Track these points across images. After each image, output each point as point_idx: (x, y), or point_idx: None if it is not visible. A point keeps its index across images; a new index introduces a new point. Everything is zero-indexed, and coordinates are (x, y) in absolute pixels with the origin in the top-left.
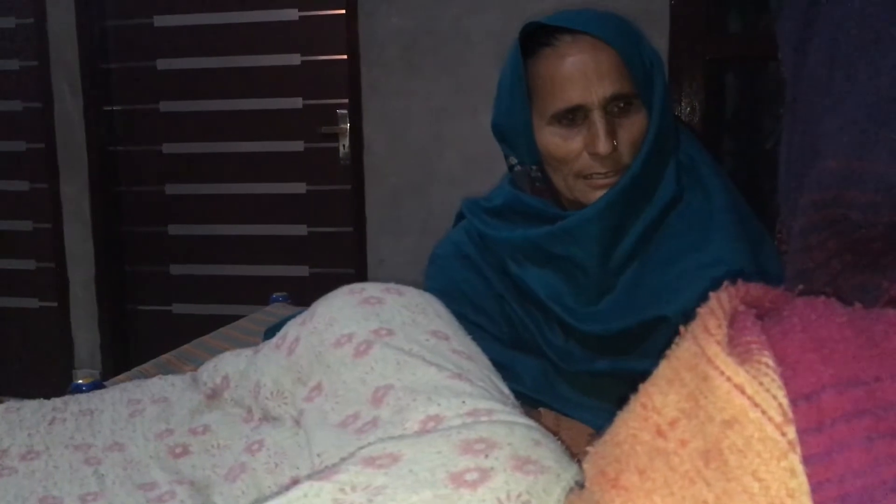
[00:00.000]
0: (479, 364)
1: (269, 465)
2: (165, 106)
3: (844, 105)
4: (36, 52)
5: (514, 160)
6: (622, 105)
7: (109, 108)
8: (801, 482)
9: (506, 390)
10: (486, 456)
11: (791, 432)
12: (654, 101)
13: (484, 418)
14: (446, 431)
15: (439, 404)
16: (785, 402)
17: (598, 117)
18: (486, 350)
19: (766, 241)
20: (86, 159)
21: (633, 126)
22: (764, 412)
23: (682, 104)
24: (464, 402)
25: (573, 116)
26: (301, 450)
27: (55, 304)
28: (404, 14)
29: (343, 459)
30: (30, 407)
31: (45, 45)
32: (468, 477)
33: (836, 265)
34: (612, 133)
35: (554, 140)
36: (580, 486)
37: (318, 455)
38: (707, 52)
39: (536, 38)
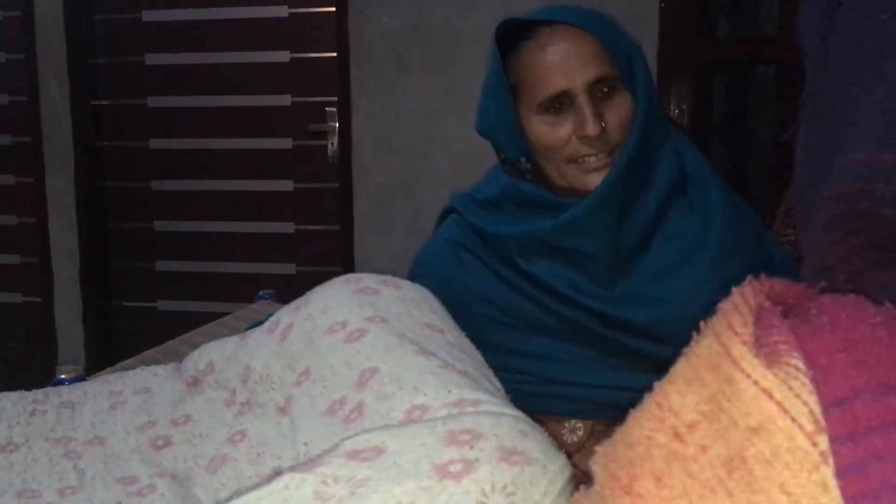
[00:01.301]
0: (471, 357)
1: (251, 455)
2: (153, 101)
3: (874, 95)
4: (23, 46)
5: (504, 154)
6: (606, 89)
7: (97, 103)
8: (833, 497)
9: (497, 384)
10: (472, 447)
11: (823, 442)
12: (639, 84)
13: (470, 409)
14: (432, 422)
15: (425, 394)
16: (816, 408)
17: (583, 101)
18: (501, 338)
19: (766, 230)
20: (72, 154)
21: (620, 107)
22: (794, 419)
23: (672, 107)
24: (450, 391)
25: (560, 103)
26: (284, 439)
27: (39, 300)
28: (394, 13)
29: (326, 451)
30: (10, 398)
31: (32, 39)
32: (452, 468)
33: (859, 261)
34: (598, 115)
35: (542, 129)
36: (584, 479)
37: (305, 444)
38: (696, 55)
39: (516, 34)
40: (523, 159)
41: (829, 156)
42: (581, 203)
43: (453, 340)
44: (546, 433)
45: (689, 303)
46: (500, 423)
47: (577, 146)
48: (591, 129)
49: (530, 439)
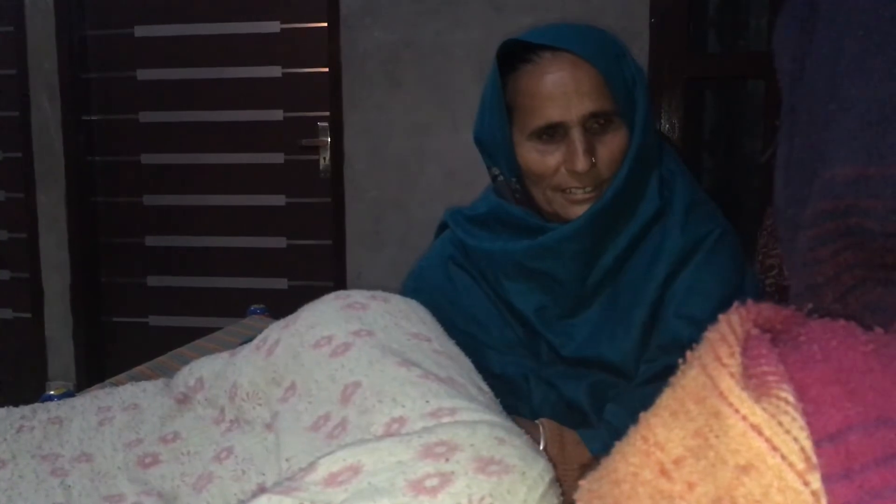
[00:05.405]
0: (458, 363)
1: (235, 472)
2: (145, 116)
3: (855, 109)
4: (14, 61)
5: (496, 171)
6: (601, 122)
7: (88, 118)
8: None
9: (485, 388)
10: (447, 460)
11: (815, 481)
12: (636, 118)
13: (446, 419)
14: (407, 437)
15: (403, 405)
16: (808, 444)
17: (576, 135)
18: (480, 359)
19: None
20: (63, 169)
21: (613, 143)
22: (784, 457)
23: (662, 122)
24: (427, 401)
25: (552, 133)
26: (269, 454)
27: (29, 315)
28: (386, 28)
29: (305, 470)
30: None
31: (24, 54)
32: (428, 483)
33: (848, 280)
34: (590, 150)
35: (532, 156)
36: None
37: (287, 459)
38: (686, 70)
39: (517, 53)
40: (514, 180)
41: (810, 174)
42: (560, 228)
43: (440, 348)
44: (526, 436)
45: (644, 339)
46: (476, 432)
47: (565, 177)
48: (581, 165)
49: (507, 446)
